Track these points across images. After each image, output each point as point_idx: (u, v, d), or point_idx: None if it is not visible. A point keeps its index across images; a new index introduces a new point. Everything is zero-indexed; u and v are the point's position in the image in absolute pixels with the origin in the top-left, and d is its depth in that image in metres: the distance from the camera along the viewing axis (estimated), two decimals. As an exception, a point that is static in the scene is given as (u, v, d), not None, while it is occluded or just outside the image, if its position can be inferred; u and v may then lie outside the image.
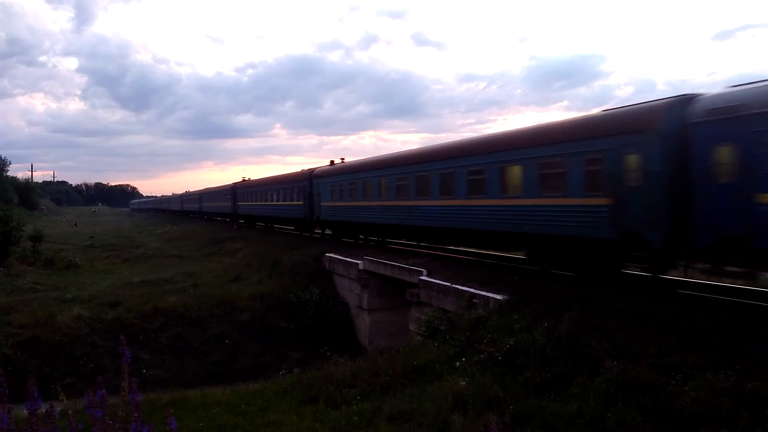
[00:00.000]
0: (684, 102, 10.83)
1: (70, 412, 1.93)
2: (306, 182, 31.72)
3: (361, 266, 20.59)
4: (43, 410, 2.03)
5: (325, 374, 12.05)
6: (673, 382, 7.52)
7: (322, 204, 29.03)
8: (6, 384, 1.96)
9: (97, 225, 79.55)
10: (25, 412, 2.01)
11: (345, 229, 28.07)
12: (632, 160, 11.31)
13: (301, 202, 32.35)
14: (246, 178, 51.94)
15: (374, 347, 18.29)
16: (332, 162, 31.34)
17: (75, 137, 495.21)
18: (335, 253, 24.06)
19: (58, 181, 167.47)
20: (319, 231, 32.88)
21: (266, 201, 40.44)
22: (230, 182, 55.43)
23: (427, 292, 15.74)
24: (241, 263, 30.09)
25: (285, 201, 35.91)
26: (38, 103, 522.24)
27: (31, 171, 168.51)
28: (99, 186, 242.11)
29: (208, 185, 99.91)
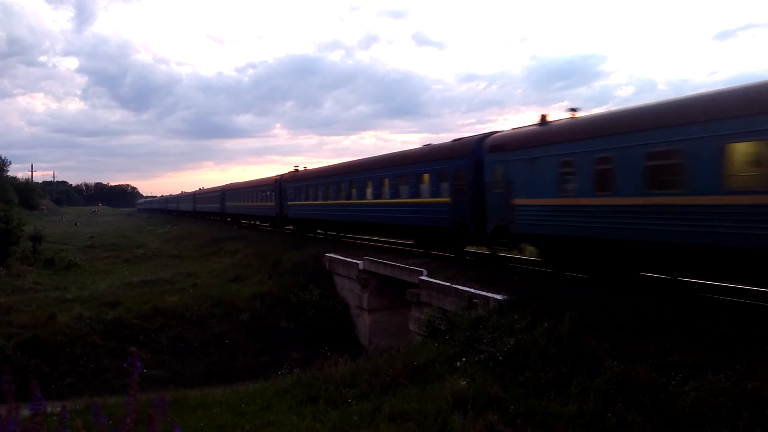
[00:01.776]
0: None
1: (78, 420, 1.93)
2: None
3: (361, 266, 20.60)
4: (48, 410, 2.03)
5: (325, 374, 12.05)
6: (673, 382, 7.53)
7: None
8: (10, 383, 1.97)
9: (97, 225, 79.57)
10: (27, 412, 2.01)
11: None
12: None
13: (446, 199, 17.58)
14: (302, 167, 36.64)
15: (374, 347, 18.31)
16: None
17: (75, 137, 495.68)
18: (335, 253, 24.07)
19: (58, 181, 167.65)
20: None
21: (364, 198, 23.77)
22: (268, 175, 41.57)
23: (427, 292, 15.75)
24: (241, 263, 30.09)
25: (424, 197, 19.07)
26: (38, 103, 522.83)
27: (31, 171, 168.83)
28: (99, 186, 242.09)
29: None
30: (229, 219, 56.95)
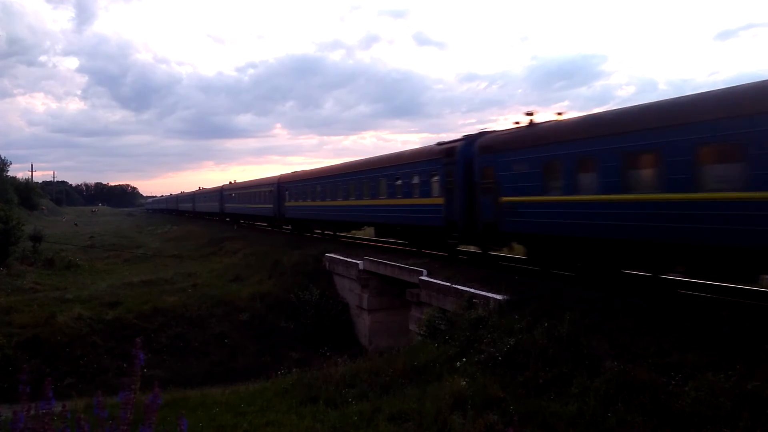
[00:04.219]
0: None
1: (82, 415, 1.93)
2: None
3: (361, 266, 20.60)
4: (53, 410, 2.03)
5: (325, 374, 12.06)
6: (673, 382, 7.53)
7: None
8: (26, 384, 1.97)
9: (97, 225, 79.57)
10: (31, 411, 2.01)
11: None
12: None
13: None
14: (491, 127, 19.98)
15: (374, 347, 18.31)
16: None
17: (75, 137, 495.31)
18: (335, 253, 24.07)
19: (58, 181, 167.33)
20: None
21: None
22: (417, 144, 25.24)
23: (427, 292, 15.75)
24: (241, 263, 30.08)
25: None
26: (38, 103, 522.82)
27: (31, 171, 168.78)
28: (99, 186, 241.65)
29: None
30: (289, 226, 37.61)
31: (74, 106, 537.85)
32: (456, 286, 14.32)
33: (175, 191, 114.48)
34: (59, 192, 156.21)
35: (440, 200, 18.30)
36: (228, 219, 55.62)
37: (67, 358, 17.28)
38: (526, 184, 14.66)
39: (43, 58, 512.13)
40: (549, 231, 13.92)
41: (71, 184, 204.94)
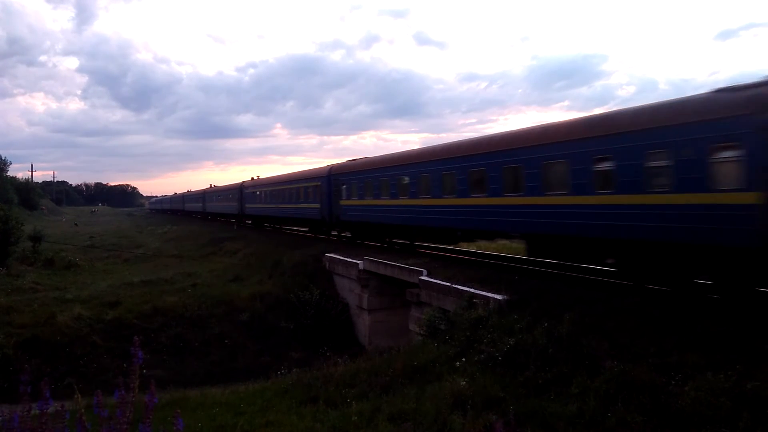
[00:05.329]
0: None
1: (82, 410, 1.93)
2: None
3: (361, 266, 20.60)
4: (52, 410, 2.03)
5: (325, 374, 12.06)
6: (673, 382, 7.53)
7: None
8: (27, 384, 1.96)
9: (97, 225, 79.56)
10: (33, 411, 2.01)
11: None
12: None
13: None
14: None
15: (374, 347, 18.30)
16: None
17: (75, 137, 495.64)
18: (335, 253, 24.06)
19: (58, 181, 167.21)
20: None
21: None
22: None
23: (427, 292, 15.75)
24: (241, 263, 30.09)
25: None
26: (38, 103, 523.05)
27: (31, 171, 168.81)
28: (99, 186, 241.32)
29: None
30: (340, 233, 29.43)
31: (74, 106, 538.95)
32: (456, 286, 14.31)
33: (176, 191, 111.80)
34: (59, 192, 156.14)
35: (752, 197, 9.33)
36: (249, 222, 47.20)
37: (67, 358, 17.28)
38: None
39: (43, 58, 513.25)
40: None
41: (71, 184, 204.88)
